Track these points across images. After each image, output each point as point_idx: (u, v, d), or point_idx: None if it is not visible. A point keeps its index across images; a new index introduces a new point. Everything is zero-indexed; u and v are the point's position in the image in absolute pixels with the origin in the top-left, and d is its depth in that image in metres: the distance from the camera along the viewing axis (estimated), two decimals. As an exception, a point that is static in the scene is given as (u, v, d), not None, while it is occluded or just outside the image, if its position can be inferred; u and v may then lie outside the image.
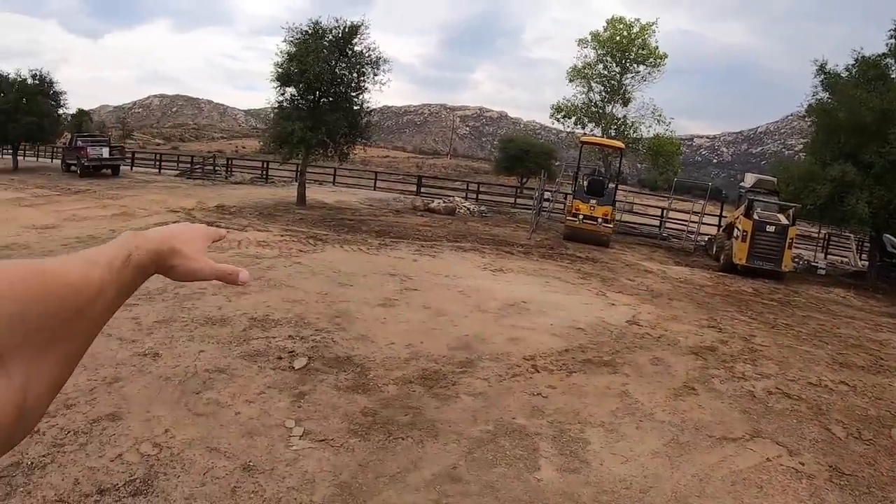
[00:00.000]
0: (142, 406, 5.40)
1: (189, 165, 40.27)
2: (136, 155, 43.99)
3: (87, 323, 0.65)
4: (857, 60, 19.79)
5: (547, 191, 27.52)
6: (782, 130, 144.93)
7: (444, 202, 26.85)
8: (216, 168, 39.66)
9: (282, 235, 15.45)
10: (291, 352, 7.08)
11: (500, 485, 4.77)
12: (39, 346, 0.58)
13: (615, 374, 7.51)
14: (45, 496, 4.06)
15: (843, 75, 19.98)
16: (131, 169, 39.03)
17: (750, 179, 21.86)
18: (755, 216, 17.98)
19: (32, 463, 4.40)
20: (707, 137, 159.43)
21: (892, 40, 19.35)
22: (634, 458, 5.45)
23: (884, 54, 19.56)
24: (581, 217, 20.66)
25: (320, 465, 4.76)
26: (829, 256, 27.84)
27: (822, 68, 20.20)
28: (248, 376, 6.30)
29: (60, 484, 4.20)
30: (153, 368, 6.24)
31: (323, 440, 5.14)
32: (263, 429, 5.22)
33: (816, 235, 28.10)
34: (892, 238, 22.41)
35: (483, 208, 27.97)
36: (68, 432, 4.87)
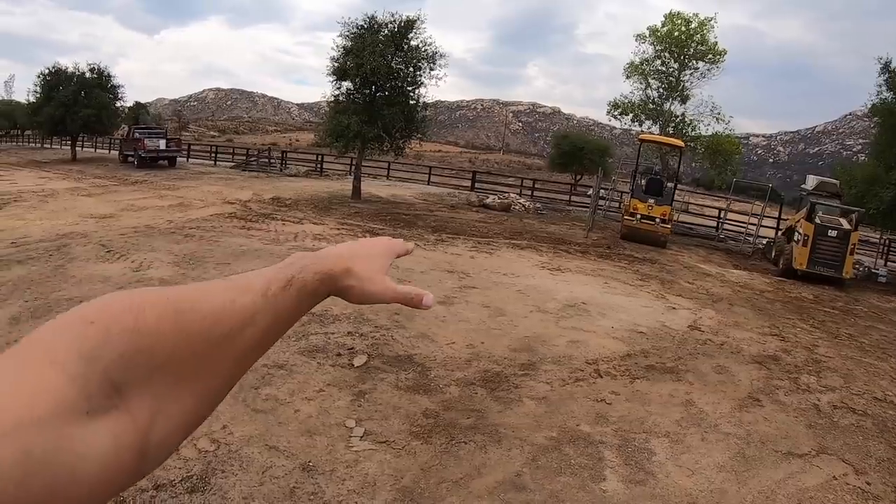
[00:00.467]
0: (200, 401, 5.35)
1: (244, 158, 40.70)
2: (192, 147, 44.65)
3: (231, 356, 0.61)
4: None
5: (603, 189, 27.20)
6: (840, 130, 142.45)
7: (499, 198, 26.73)
8: (271, 160, 40.03)
9: (338, 229, 15.48)
10: (351, 349, 7.02)
11: (565, 495, 4.66)
12: (170, 382, 0.54)
13: (679, 382, 7.34)
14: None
15: None
16: (187, 160, 39.65)
17: (811, 182, 21.36)
18: (817, 220, 17.58)
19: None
20: (763, 136, 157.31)
21: None
22: (700, 471, 5.31)
23: None
24: (639, 217, 20.41)
25: (381, 468, 4.68)
26: (888, 263, 27.09)
27: (886, 66, 19.71)
28: (308, 373, 6.25)
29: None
30: (212, 362, 6.20)
31: (384, 441, 5.06)
32: (323, 428, 5.16)
33: (877, 241, 27.35)
34: None
35: (538, 205, 27.76)
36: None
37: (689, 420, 6.32)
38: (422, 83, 23.05)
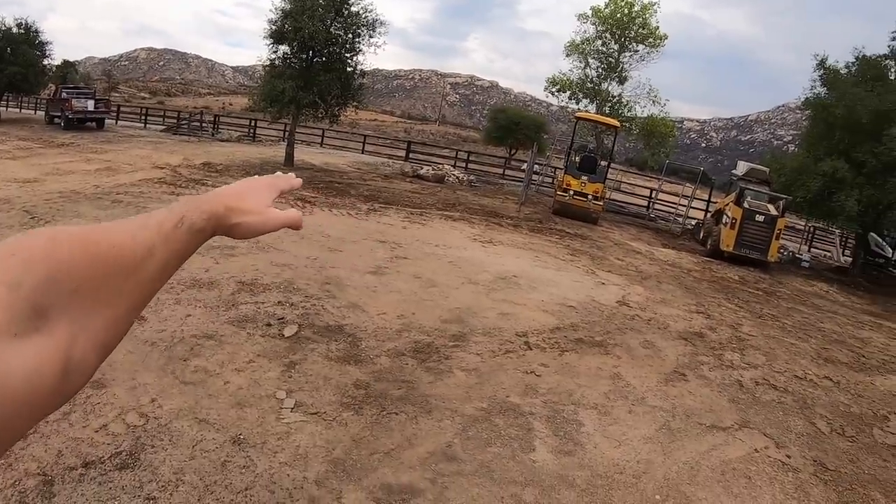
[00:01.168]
0: (127, 373, 5.24)
1: (175, 121, 39.82)
2: (122, 109, 43.55)
3: (136, 286, 0.65)
4: (857, 59, 20.01)
5: (537, 164, 27.36)
6: (773, 120, 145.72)
7: (434, 169, 26.67)
8: (203, 124, 39.15)
9: (270, 196, 15.25)
10: (281, 318, 6.95)
11: (496, 465, 4.72)
12: (85, 307, 0.58)
13: (607, 356, 7.48)
14: (27, 469, 3.90)
15: (842, 72, 20.11)
16: (116, 123, 38.65)
17: (742, 168, 21.93)
18: (745, 205, 18.06)
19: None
20: (697, 121, 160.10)
21: (894, 42, 19.49)
22: (627, 442, 5.45)
23: (885, 55, 19.77)
24: (571, 193, 20.61)
25: (313, 440, 4.66)
26: (812, 250, 27.99)
27: (822, 63, 20.31)
28: (237, 343, 6.17)
29: (43, 456, 4.05)
30: (138, 333, 6.02)
31: (315, 413, 5.04)
32: (254, 399, 5.10)
33: (802, 228, 28.18)
34: (877, 237, 22.62)
35: (472, 178, 27.80)
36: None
37: (616, 393, 6.46)
38: (360, 50, 22.87)
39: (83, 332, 0.58)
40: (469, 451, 4.85)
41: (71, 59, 75.61)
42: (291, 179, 0.99)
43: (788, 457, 5.69)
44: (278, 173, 0.99)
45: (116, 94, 73.90)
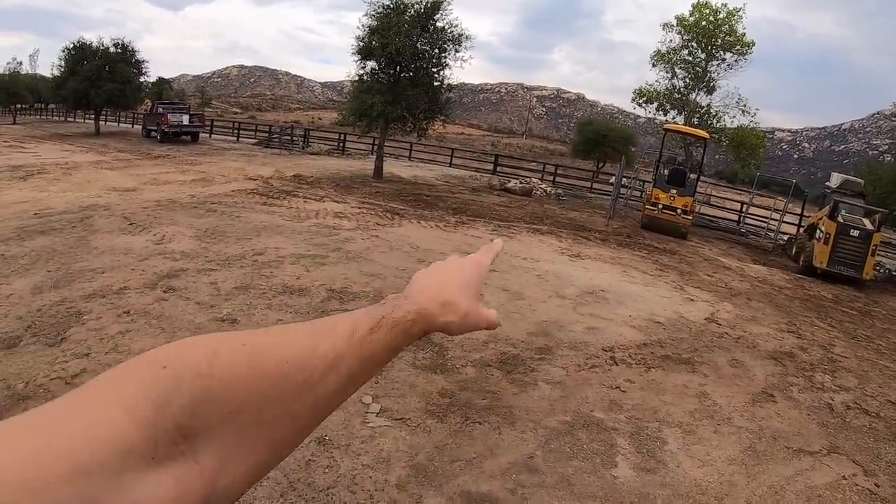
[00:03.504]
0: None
1: (267, 135, 40.69)
2: (215, 123, 44.77)
3: (309, 405, 0.58)
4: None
5: (625, 177, 27.07)
6: (868, 129, 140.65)
7: (521, 182, 26.62)
8: (294, 138, 39.99)
9: (359, 208, 15.52)
10: (369, 327, 7.05)
11: (576, 479, 4.70)
12: (241, 431, 0.52)
13: (694, 374, 7.35)
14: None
15: None
16: (210, 137, 39.93)
17: (836, 179, 21.15)
18: (839, 219, 17.41)
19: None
20: (789, 131, 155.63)
21: None
22: (711, 462, 5.34)
23: None
24: (660, 207, 20.27)
25: (396, 445, 4.74)
26: (911, 267, 26.91)
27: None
28: (326, 349, 6.28)
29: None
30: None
31: (400, 419, 5.12)
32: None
33: (899, 243, 27.18)
34: None
35: (559, 191, 27.60)
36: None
37: (702, 412, 6.34)
38: (446, 65, 23.00)
39: (234, 457, 0.52)
40: (550, 464, 4.85)
41: (166, 77, 78.58)
42: (495, 247, 0.93)
43: (877, 485, 5.49)
44: (486, 246, 0.93)
45: (209, 110, 76.29)
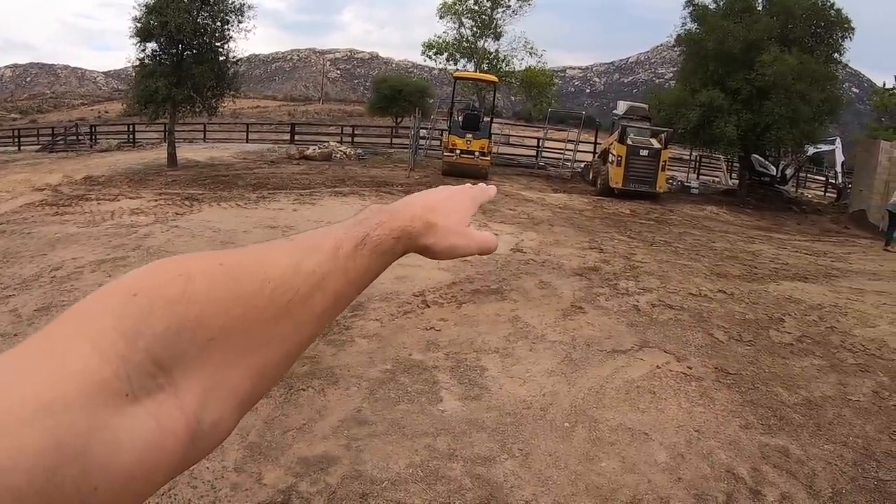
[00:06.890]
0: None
1: (50, 138, 38.14)
2: (-10, 135, 41.26)
3: (296, 327, 0.51)
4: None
5: (422, 128, 27.32)
6: (653, 60, 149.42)
7: (320, 148, 26.31)
8: (80, 137, 37.70)
9: (156, 200, 14.74)
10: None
11: (406, 421, 4.79)
12: (224, 359, 0.46)
13: (504, 301, 7.57)
14: None
15: (710, 7, 20.92)
16: (-14, 151, 36.72)
17: (622, 107, 22.43)
18: (629, 142, 18.52)
19: None
20: (579, 68, 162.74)
21: None
22: (531, 378, 5.56)
23: None
24: (458, 152, 20.63)
25: (226, 432, 4.54)
26: (701, 177, 28.94)
27: (690, 0, 20.98)
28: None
29: None
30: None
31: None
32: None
33: (688, 158, 29.05)
34: (760, 158, 23.57)
35: (360, 151, 27.60)
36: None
37: (516, 334, 6.57)
38: (231, 38, 22.30)
39: (218, 388, 0.46)
40: (378, 413, 4.90)
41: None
42: (489, 190, 0.86)
43: (689, 368, 5.91)
44: (481, 185, 0.87)
45: (-18, 119, 70.45)
